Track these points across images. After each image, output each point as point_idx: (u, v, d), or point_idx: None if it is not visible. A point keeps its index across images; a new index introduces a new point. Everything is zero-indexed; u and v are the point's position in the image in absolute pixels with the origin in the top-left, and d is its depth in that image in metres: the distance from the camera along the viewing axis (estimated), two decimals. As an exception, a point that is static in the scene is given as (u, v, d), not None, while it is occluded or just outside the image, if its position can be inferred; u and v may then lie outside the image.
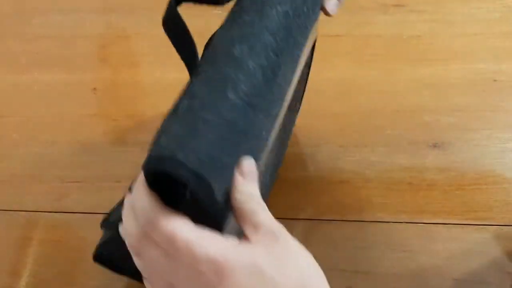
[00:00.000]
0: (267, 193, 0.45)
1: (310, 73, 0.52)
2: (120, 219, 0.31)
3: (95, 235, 0.60)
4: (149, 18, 0.65)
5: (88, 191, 0.61)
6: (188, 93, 0.30)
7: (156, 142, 0.28)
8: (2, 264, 0.60)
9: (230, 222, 0.30)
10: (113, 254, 0.42)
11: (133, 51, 0.61)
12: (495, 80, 0.58)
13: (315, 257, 0.29)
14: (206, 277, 0.27)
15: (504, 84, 0.58)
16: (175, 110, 0.29)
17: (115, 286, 0.58)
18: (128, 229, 0.30)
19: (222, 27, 0.34)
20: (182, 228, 0.27)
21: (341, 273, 0.50)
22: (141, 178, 0.29)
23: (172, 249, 0.27)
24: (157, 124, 0.29)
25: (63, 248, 0.60)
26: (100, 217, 0.58)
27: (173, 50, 0.34)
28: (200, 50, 0.34)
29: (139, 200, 0.29)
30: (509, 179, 0.55)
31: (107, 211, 0.59)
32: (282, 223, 0.29)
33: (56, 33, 0.64)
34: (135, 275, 0.32)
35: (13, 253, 0.60)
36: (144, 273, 0.31)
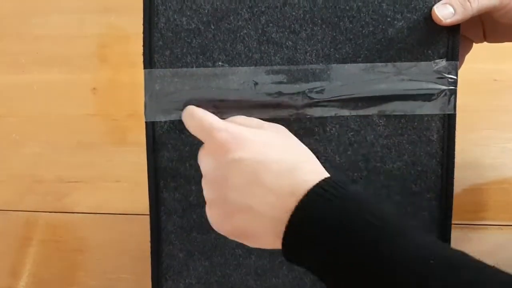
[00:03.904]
0: None
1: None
2: None
3: (95, 235, 0.60)
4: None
5: (88, 191, 0.61)
6: None
7: None
8: (2, 264, 0.60)
9: None
10: None
11: (133, 51, 0.61)
12: (495, 80, 0.58)
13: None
14: (228, 145, 0.35)
15: (504, 84, 0.58)
16: None
17: (115, 286, 0.58)
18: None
19: None
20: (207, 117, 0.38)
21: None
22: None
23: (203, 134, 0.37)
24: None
25: (63, 248, 0.60)
26: (100, 217, 0.59)
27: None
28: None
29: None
30: (509, 179, 0.55)
31: (107, 211, 0.60)
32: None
33: (56, 33, 0.64)
34: None
35: (13, 253, 0.60)
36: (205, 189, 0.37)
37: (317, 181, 0.32)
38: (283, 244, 0.32)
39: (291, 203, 0.32)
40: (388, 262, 0.29)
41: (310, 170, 0.34)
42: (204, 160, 0.37)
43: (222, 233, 0.36)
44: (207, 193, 0.36)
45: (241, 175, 0.34)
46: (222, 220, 0.36)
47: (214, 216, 0.36)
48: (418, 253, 0.29)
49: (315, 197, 0.32)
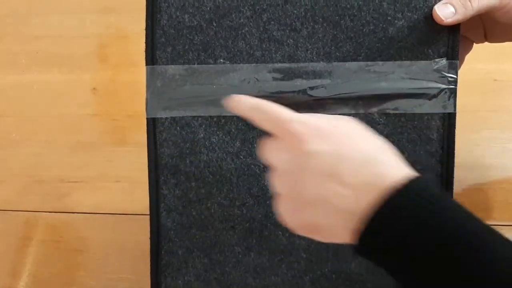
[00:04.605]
0: None
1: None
2: None
3: (95, 235, 0.60)
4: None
5: (88, 191, 0.61)
6: None
7: None
8: (2, 264, 0.60)
9: None
10: None
11: (133, 51, 0.61)
12: (495, 80, 0.58)
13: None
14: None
15: (504, 84, 0.58)
16: None
17: (115, 286, 0.58)
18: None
19: None
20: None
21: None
22: None
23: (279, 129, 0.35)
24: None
25: (63, 248, 0.60)
26: (100, 217, 0.59)
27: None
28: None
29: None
30: (509, 179, 0.55)
31: (107, 211, 0.60)
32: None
33: (56, 33, 0.64)
34: None
35: (13, 253, 0.60)
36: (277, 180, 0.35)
37: (400, 177, 0.31)
38: (359, 239, 0.31)
39: (369, 198, 0.31)
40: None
41: (390, 164, 0.33)
42: (276, 153, 0.35)
43: (292, 228, 0.35)
44: (279, 186, 0.35)
45: (317, 168, 0.33)
46: (294, 214, 0.34)
47: (286, 210, 0.35)
48: None
49: (401, 196, 0.30)
